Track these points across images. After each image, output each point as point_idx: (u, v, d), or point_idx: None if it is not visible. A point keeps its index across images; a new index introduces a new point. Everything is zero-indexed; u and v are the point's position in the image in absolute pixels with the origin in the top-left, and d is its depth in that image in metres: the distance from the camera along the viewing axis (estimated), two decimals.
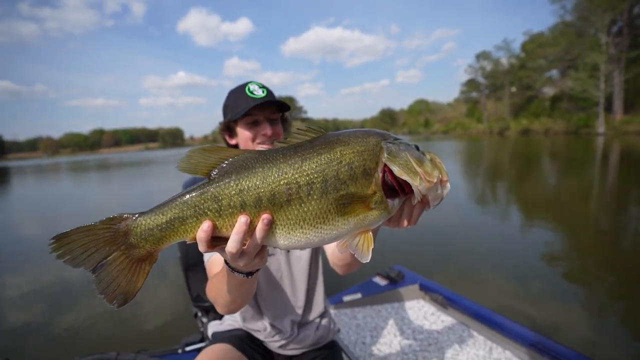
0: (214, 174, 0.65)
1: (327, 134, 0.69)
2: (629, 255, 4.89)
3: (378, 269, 2.91)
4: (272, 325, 1.37)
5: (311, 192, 0.63)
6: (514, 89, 56.00)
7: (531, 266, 4.56)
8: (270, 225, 0.63)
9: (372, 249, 0.67)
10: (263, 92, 1.29)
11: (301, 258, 1.42)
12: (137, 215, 0.66)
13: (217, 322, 1.51)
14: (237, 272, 0.78)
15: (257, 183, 0.63)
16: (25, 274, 5.70)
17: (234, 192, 0.63)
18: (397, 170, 0.65)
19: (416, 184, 0.65)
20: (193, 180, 2.13)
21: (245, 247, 0.65)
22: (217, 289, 0.99)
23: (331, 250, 1.31)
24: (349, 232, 0.67)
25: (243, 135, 1.30)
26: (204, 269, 1.99)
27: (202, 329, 2.03)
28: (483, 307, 2.26)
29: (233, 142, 1.39)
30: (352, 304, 2.58)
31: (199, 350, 2.05)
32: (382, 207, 0.67)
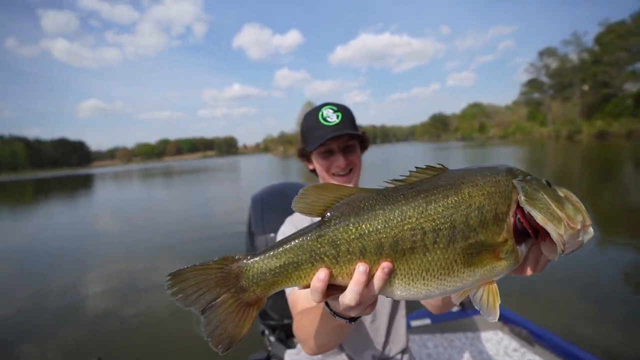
0: (329, 215, 0.60)
1: (449, 172, 0.62)
2: None
3: None
4: (351, 359, 1.29)
5: (437, 239, 0.56)
6: (586, 87, 50.06)
7: (613, 290, 3.99)
8: (390, 275, 0.57)
9: (500, 305, 0.57)
10: (338, 117, 1.23)
11: None
12: (249, 257, 0.62)
13: (293, 350, 1.47)
14: (340, 317, 0.71)
15: (379, 227, 0.57)
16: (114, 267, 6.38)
17: (353, 236, 0.57)
18: (540, 217, 0.55)
19: (561, 232, 0.54)
20: (260, 196, 2.16)
21: (360, 298, 0.58)
22: (308, 331, 0.92)
23: None
24: (473, 284, 0.59)
25: (318, 166, 1.27)
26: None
27: (269, 347, 2.03)
28: (581, 349, 1.95)
29: (311, 167, 1.37)
30: (421, 330, 2.41)
31: None
32: (512, 257, 0.58)
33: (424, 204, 0.57)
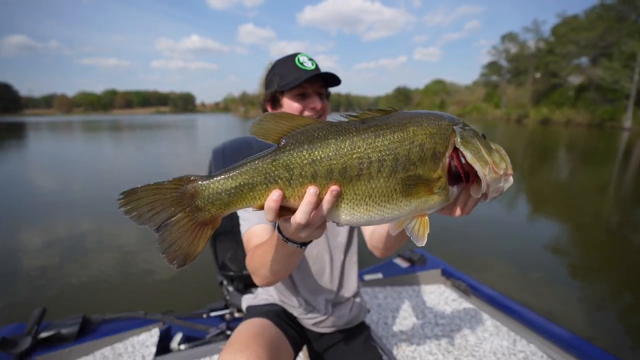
0: (285, 142, 0.64)
1: (400, 112, 0.68)
2: (635, 255, 4.87)
3: (399, 250, 2.88)
4: (307, 302, 1.34)
5: (381, 169, 0.63)
6: (538, 75, 53.51)
7: (534, 256, 4.65)
8: (338, 198, 0.63)
9: (428, 233, 0.67)
10: (312, 64, 1.27)
11: (339, 233, 1.38)
12: (206, 178, 0.65)
13: (250, 295, 1.49)
14: (292, 242, 0.78)
15: (330, 154, 0.62)
16: (51, 226, 5.88)
17: (306, 161, 0.62)
18: (469, 157, 0.64)
19: (485, 173, 0.64)
20: (222, 148, 2.06)
21: (310, 218, 0.64)
22: (261, 260, 0.97)
23: (370, 231, 1.27)
24: (409, 214, 0.67)
25: (290, 107, 1.26)
26: (230, 238, 1.97)
27: (227, 297, 2.05)
28: (508, 298, 2.22)
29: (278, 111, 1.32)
30: (373, 283, 2.57)
31: (222, 316, 2.08)
32: (443, 193, 0.67)
33: (373, 137, 0.63)
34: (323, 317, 1.33)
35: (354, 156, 0.62)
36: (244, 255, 1.95)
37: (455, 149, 0.67)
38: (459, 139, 0.65)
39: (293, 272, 1.34)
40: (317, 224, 0.66)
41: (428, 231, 0.67)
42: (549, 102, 48.14)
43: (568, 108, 43.94)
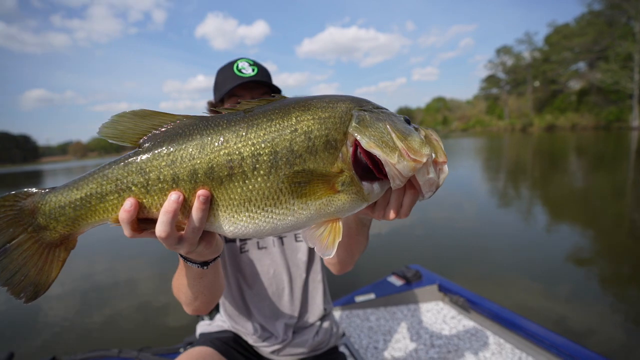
0: (144, 143, 0.54)
1: (287, 98, 0.57)
2: None
3: (393, 267, 2.72)
4: (263, 328, 1.22)
5: (257, 165, 0.52)
6: (537, 84, 53.80)
7: (557, 268, 4.23)
8: (208, 204, 0.52)
9: (339, 242, 0.54)
10: (253, 70, 1.17)
11: (299, 249, 1.27)
12: (46, 190, 0.55)
13: (206, 322, 1.38)
14: (190, 262, 0.67)
15: (193, 153, 0.52)
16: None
17: (164, 163, 0.52)
18: (365, 142, 0.52)
19: (392, 161, 0.51)
20: None
21: (183, 231, 0.54)
22: (178, 284, 0.89)
23: None
24: (311, 220, 0.55)
25: None
26: None
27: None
28: (511, 312, 2.03)
29: None
30: (365, 305, 2.40)
31: None
32: (352, 191, 0.54)
33: (245, 128, 0.53)
34: (282, 345, 1.19)
35: (221, 152, 0.52)
36: None
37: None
38: (353, 123, 0.54)
39: (246, 294, 1.23)
40: (195, 238, 0.55)
41: (338, 239, 0.54)
42: (552, 109, 47.92)
43: (572, 113, 43.63)
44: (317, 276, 1.29)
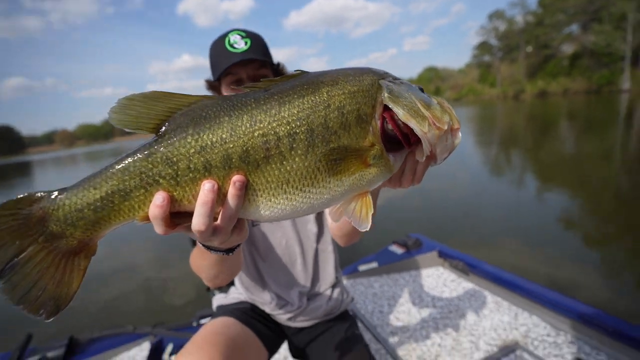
0: (164, 129, 0.50)
1: (309, 73, 0.55)
2: None
3: (394, 237, 2.81)
4: (279, 297, 1.28)
5: (294, 145, 0.50)
6: (530, 49, 52.98)
7: (548, 231, 4.44)
8: (245, 190, 0.50)
9: (373, 214, 0.54)
10: (246, 43, 1.11)
11: (308, 220, 1.30)
12: (56, 193, 0.49)
13: (222, 295, 1.43)
14: (214, 250, 0.64)
15: (224, 136, 0.49)
16: None
17: (193, 150, 0.48)
18: (401, 113, 0.52)
19: (425, 130, 0.52)
20: None
21: (217, 222, 0.51)
22: (197, 265, 0.89)
23: (329, 220, 1.19)
24: (344, 196, 0.54)
25: None
26: None
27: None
28: (507, 272, 2.14)
29: None
30: (368, 273, 2.50)
31: None
32: (382, 163, 0.54)
33: (277, 106, 0.50)
34: (298, 312, 1.26)
35: (256, 134, 0.49)
36: None
37: (386, 108, 0.55)
38: (386, 94, 0.54)
39: (261, 266, 1.28)
40: (229, 227, 0.53)
41: (372, 212, 0.55)
42: (544, 74, 47.56)
43: (564, 78, 43.41)
44: (327, 246, 1.33)
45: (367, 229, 0.54)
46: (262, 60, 1.13)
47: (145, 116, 0.49)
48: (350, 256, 2.89)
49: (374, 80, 0.55)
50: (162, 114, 0.50)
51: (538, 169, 8.12)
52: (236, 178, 0.49)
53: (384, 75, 0.57)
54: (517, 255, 3.78)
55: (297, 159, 0.51)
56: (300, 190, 0.52)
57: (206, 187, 0.48)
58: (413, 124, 0.52)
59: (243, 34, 1.14)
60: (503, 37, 58.33)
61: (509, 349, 1.64)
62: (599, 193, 5.97)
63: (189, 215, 0.50)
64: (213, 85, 1.20)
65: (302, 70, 0.56)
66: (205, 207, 0.48)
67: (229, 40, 1.12)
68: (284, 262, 1.28)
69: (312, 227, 1.30)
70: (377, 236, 4.02)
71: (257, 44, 1.15)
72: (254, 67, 1.13)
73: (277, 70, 1.22)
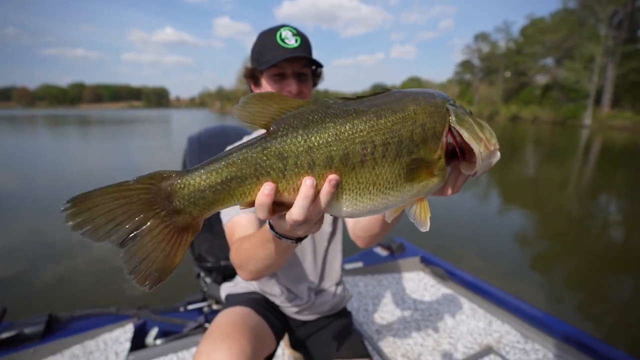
0: (275, 127, 0.55)
1: (393, 91, 0.63)
2: (592, 242, 5.33)
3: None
4: (289, 291, 1.32)
5: (386, 153, 0.57)
6: (508, 74, 55.82)
7: (505, 246, 4.99)
8: (336, 188, 0.56)
9: (430, 217, 0.63)
10: (296, 40, 1.16)
11: (325, 221, 1.33)
12: (184, 174, 0.54)
13: (229, 283, 1.44)
14: (286, 237, 0.70)
15: (329, 140, 0.55)
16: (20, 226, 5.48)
17: (302, 149, 0.54)
18: (467, 135, 0.61)
19: (481, 150, 0.62)
20: (198, 135, 1.99)
21: (308, 213, 0.57)
22: (250, 254, 0.89)
23: (354, 221, 1.23)
24: (410, 199, 0.63)
25: (266, 88, 1.19)
26: (206, 229, 1.91)
27: (204, 289, 1.99)
28: (483, 282, 2.30)
29: (257, 91, 1.26)
30: (354, 272, 2.59)
31: (200, 309, 2.02)
32: (442, 174, 0.64)
33: (375, 118, 0.57)
34: (305, 305, 1.30)
35: (357, 141, 0.56)
36: (220, 246, 1.90)
37: (449, 127, 0.64)
38: (453, 117, 0.62)
39: None
40: (316, 219, 0.59)
41: (429, 214, 0.63)
42: (518, 100, 50.38)
43: (535, 106, 46.20)
44: (337, 246, 1.39)
45: (427, 230, 0.62)
46: (309, 59, 1.18)
47: (260, 114, 0.55)
48: None
49: (443, 102, 0.64)
50: (275, 113, 0.56)
51: (501, 189, 8.77)
52: (332, 177, 0.54)
53: (448, 99, 0.67)
54: (474, 266, 4.14)
55: (386, 165, 0.58)
56: (382, 192, 0.59)
57: (308, 183, 0.54)
58: (474, 145, 0.61)
59: (294, 31, 1.18)
60: (485, 59, 61.07)
61: (484, 353, 1.78)
62: (551, 216, 6.59)
63: (285, 205, 0.57)
64: (253, 73, 1.21)
65: (387, 88, 0.64)
66: (305, 201, 0.54)
67: (280, 35, 1.15)
68: (297, 257, 1.32)
69: (327, 228, 1.36)
70: None
71: (306, 43, 1.20)
72: (299, 65, 1.17)
73: (315, 72, 1.27)
